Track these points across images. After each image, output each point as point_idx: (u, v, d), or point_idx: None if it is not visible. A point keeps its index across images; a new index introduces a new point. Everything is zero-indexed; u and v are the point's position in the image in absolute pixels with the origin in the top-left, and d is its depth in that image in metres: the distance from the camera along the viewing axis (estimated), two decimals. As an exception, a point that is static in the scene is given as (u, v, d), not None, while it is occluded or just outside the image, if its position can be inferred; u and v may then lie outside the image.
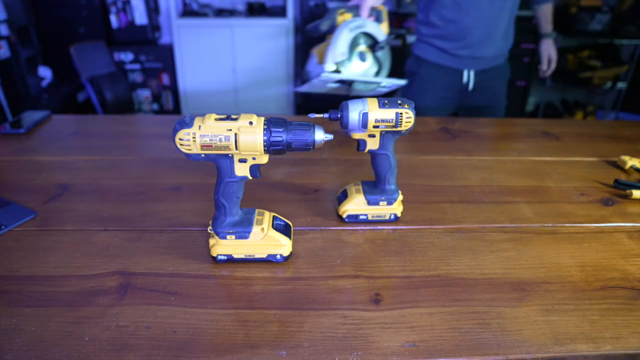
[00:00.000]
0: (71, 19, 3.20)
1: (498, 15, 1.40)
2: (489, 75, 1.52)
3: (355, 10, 1.11)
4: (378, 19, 1.14)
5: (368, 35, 1.09)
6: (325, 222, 0.78)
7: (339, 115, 0.69)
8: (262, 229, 0.66)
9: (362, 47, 1.08)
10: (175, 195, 0.87)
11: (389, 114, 0.68)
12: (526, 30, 2.82)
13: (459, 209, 0.83)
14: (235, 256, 0.66)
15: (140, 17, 3.28)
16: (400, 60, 3.68)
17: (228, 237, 0.66)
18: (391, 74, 1.15)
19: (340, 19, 1.07)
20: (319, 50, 1.10)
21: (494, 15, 1.39)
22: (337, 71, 1.04)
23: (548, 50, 1.71)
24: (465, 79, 1.50)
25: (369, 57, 1.10)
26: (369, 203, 0.76)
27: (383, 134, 0.71)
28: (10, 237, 0.73)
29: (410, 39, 3.40)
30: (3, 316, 0.57)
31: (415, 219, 0.80)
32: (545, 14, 1.65)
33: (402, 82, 1.09)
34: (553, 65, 1.73)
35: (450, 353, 0.53)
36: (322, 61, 1.06)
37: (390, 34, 1.15)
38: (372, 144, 0.73)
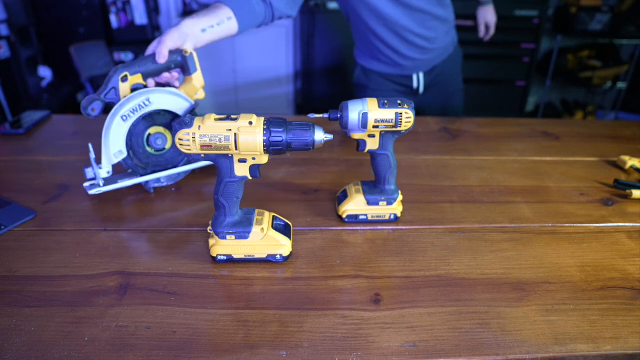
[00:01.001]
0: (71, 19, 3.19)
1: (423, 17, 1.30)
2: (439, 71, 1.47)
3: (147, 64, 0.82)
4: (185, 70, 0.87)
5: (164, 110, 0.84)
6: (325, 222, 0.78)
7: (339, 116, 0.69)
8: (262, 229, 0.66)
9: (156, 128, 0.86)
10: (175, 195, 0.87)
11: (389, 114, 0.68)
12: (526, 30, 2.83)
13: (459, 209, 0.83)
14: (235, 256, 0.66)
15: (140, 17, 3.28)
16: (400, 60, 3.63)
17: (228, 237, 0.65)
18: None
19: (123, 88, 0.79)
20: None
21: (419, 20, 1.29)
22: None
23: (485, 16, 1.65)
24: (415, 84, 1.44)
25: (168, 141, 0.87)
26: (368, 203, 0.76)
27: (383, 134, 0.71)
28: (10, 237, 0.73)
29: (410, 39, 3.40)
30: (3, 316, 0.57)
31: (415, 219, 0.80)
32: None
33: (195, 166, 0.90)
34: (492, 31, 1.68)
35: (450, 353, 0.53)
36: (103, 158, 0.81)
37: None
38: (372, 144, 0.73)
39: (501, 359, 0.52)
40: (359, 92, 1.53)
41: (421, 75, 1.43)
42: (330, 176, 0.95)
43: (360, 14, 1.28)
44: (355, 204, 0.77)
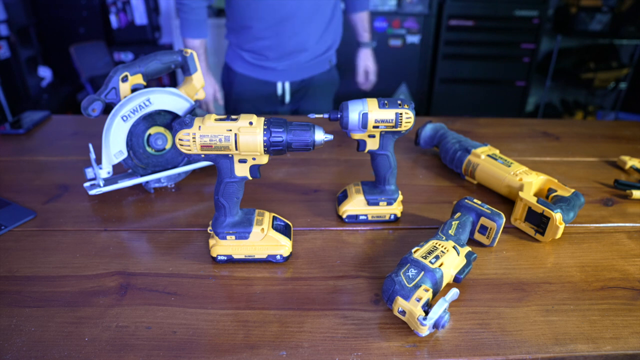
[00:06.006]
0: (71, 19, 3.20)
1: (308, 15, 1.26)
2: (309, 85, 1.41)
3: (147, 64, 0.81)
4: (185, 70, 0.87)
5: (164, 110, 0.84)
6: (325, 223, 0.78)
7: (339, 116, 0.69)
8: (262, 229, 0.66)
9: (156, 128, 0.85)
10: (175, 195, 0.87)
11: (389, 114, 0.68)
12: (526, 30, 2.83)
13: (459, 209, 0.83)
14: (235, 256, 0.66)
15: (140, 17, 3.28)
16: (400, 61, 3.69)
17: (228, 237, 0.65)
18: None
19: (123, 88, 0.79)
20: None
21: (300, 15, 1.24)
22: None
23: (365, 61, 1.52)
24: (279, 91, 1.39)
25: (168, 141, 0.87)
26: (368, 203, 0.76)
27: (383, 134, 0.71)
28: (10, 237, 0.73)
29: (411, 38, 3.40)
30: (3, 316, 0.57)
31: (415, 219, 0.80)
32: (362, 22, 1.49)
33: (195, 166, 0.90)
34: (372, 78, 1.55)
35: (450, 353, 0.53)
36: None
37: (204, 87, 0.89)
38: (372, 144, 0.73)
39: (501, 359, 0.52)
40: (225, 91, 1.48)
41: (287, 84, 1.38)
42: (330, 176, 0.95)
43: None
44: (355, 204, 0.77)
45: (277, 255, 0.66)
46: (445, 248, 0.62)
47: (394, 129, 0.70)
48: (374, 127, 0.69)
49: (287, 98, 1.41)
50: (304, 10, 1.26)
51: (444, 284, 0.59)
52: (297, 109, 1.47)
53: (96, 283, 0.63)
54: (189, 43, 1.35)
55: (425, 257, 0.59)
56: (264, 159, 0.62)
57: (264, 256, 0.66)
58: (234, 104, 1.44)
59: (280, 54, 1.32)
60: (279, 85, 1.38)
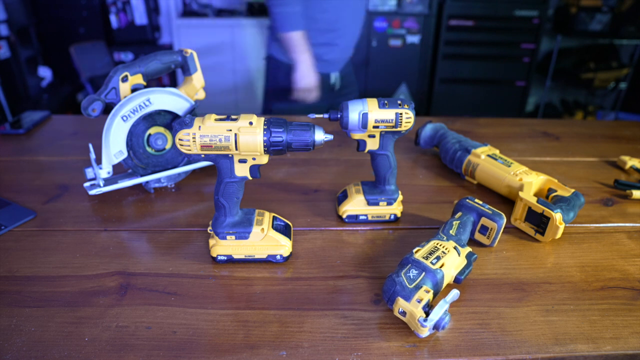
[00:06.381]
0: (71, 19, 3.20)
1: (353, 9, 1.38)
2: (348, 68, 1.53)
3: (147, 64, 0.82)
4: (185, 70, 0.88)
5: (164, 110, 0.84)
6: (325, 223, 0.78)
7: (339, 116, 0.69)
8: (262, 229, 0.66)
9: (156, 128, 0.85)
10: (175, 195, 0.87)
11: (389, 114, 0.68)
12: (526, 30, 2.83)
13: (459, 209, 0.83)
14: (235, 256, 0.66)
15: (140, 17, 3.28)
16: (400, 61, 3.69)
17: (228, 237, 0.65)
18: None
19: (123, 88, 0.79)
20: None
21: (349, 7, 1.37)
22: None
23: None
24: (332, 80, 1.48)
25: (168, 141, 0.87)
26: (368, 203, 0.76)
27: (383, 134, 0.71)
28: (10, 237, 0.73)
29: (411, 38, 3.40)
30: (3, 316, 0.57)
31: (415, 219, 0.80)
32: None
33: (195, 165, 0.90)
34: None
35: (450, 353, 0.53)
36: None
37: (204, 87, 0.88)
38: (372, 144, 0.73)
39: (501, 359, 0.52)
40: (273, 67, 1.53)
41: (337, 73, 1.47)
42: (330, 176, 0.95)
43: None
44: (355, 204, 0.77)
45: (277, 255, 0.66)
46: (446, 249, 0.62)
47: (394, 129, 0.70)
48: (374, 127, 0.69)
49: (338, 85, 1.49)
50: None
51: (444, 285, 0.59)
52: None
53: (96, 283, 0.63)
54: (295, 36, 1.35)
55: (426, 258, 0.59)
56: (264, 159, 0.62)
57: (264, 256, 0.66)
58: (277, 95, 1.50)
59: (339, 48, 1.43)
60: (332, 76, 1.47)
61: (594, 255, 0.71)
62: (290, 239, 0.69)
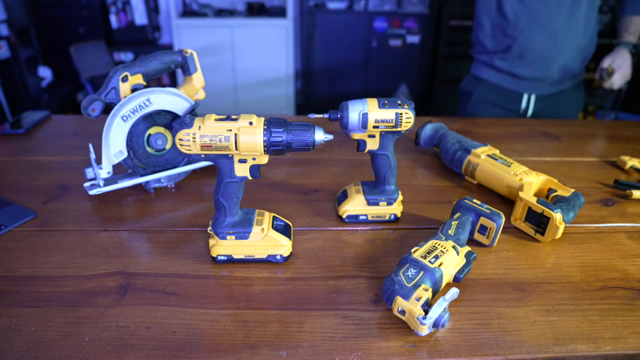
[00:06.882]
0: (71, 19, 3.20)
1: (568, 26, 1.24)
2: (554, 101, 1.37)
3: (147, 64, 0.82)
4: (185, 70, 0.88)
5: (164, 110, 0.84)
6: (325, 223, 0.78)
7: (339, 116, 0.69)
8: (262, 229, 0.66)
9: (156, 128, 0.85)
10: (175, 195, 0.87)
11: (389, 114, 0.68)
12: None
13: (459, 209, 0.83)
14: (235, 256, 0.66)
15: (140, 17, 3.28)
16: (400, 61, 3.68)
17: (228, 237, 0.65)
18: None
19: (123, 88, 0.79)
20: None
21: (562, 25, 1.24)
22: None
23: (616, 57, 1.32)
24: (524, 104, 1.38)
25: (168, 141, 0.87)
26: (368, 203, 0.76)
27: (383, 134, 0.71)
28: (10, 237, 0.73)
29: (411, 39, 3.40)
30: (3, 316, 0.57)
31: (415, 219, 0.80)
32: (627, 24, 1.34)
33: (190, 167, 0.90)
34: (616, 79, 1.32)
35: (450, 353, 0.53)
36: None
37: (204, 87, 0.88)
38: (372, 144, 0.73)
39: (501, 359, 0.52)
40: (463, 101, 1.48)
41: (532, 97, 1.36)
42: (330, 176, 0.95)
43: None
44: (355, 204, 0.77)
45: (277, 255, 0.66)
46: (444, 248, 0.62)
47: (394, 129, 0.70)
48: (374, 127, 0.69)
49: (530, 111, 1.39)
50: (564, 15, 1.24)
51: (443, 284, 0.59)
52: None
53: (96, 283, 0.63)
54: (637, 20, 1.30)
55: (424, 257, 0.59)
56: (264, 159, 0.62)
57: (264, 256, 0.66)
58: (466, 114, 1.45)
59: (530, 60, 1.31)
60: (525, 97, 1.37)
61: (594, 255, 0.71)
62: (290, 239, 0.69)
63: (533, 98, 1.38)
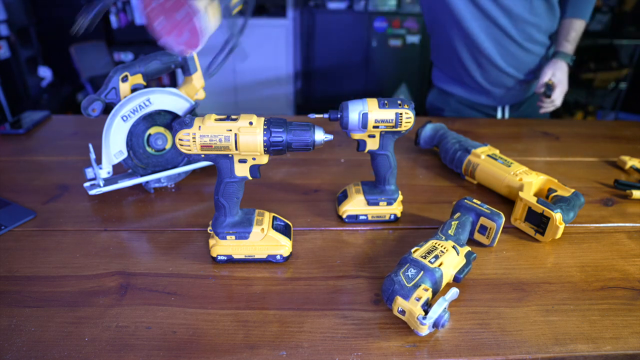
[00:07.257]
0: (71, 19, 3.17)
1: (526, 52, 1.24)
2: (527, 105, 1.37)
3: (147, 64, 0.82)
4: (185, 70, 0.87)
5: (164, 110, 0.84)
6: (325, 223, 0.78)
7: (339, 116, 0.69)
8: (262, 229, 0.66)
9: (156, 128, 0.85)
10: (175, 195, 0.87)
11: (389, 114, 0.68)
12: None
13: (459, 209, 0.83)
14: (235, 256, 0.66)
15: (140, 17, 3.28)
16: (400, 61, 3.67)
17: (228, 237, 0.65)
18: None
19: (123, 88, 0.79)
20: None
21: (521, 54, 1.23)
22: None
23: (553, 69, 1.22)
24: (499, 115, 1.37)
25: (168, 141, 0.87)
26: (368, 203, 0.76)
27: (383, 134, 0.71)
28: (10, 237, 0.73)
29: (411, 39, 3.40)
30: (3, 316, 0.57)
31: (415, 219, 0.80)
32: (566, 29, 1.29)
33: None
34: (556, 97, 1.22)
35: (450, 353, 0.53)
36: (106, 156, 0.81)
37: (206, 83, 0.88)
38: (372, 144, 0.73)
39: (501, 359, 0.52)
40: (433, 115, 1.46)
41: (507, 108, 1.36)
42: (330, 176, 0.95)
43: (449, 32, 1.24)
44: (355, 204, 0.77)
45: (277, 255, 0.66)
46: (444, 248, 0.62)
47: (394, 129, 0.70)
48: (374, 127, 0.69)
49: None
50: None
51: (443, 284, 0.59)
52: None
53: (96, 283, 0.63)
54: (578, 24, 1.28)
55: (424, 257, 0.59)
56: (264, 159, 0.62)
57: (264, 256, 0.66)
58: None
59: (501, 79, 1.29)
60: (499, 109, 1.36)
61: (594, 255, 0.71)
62: (290, 239, 0.69)
63: (507, 108, 1.38)
